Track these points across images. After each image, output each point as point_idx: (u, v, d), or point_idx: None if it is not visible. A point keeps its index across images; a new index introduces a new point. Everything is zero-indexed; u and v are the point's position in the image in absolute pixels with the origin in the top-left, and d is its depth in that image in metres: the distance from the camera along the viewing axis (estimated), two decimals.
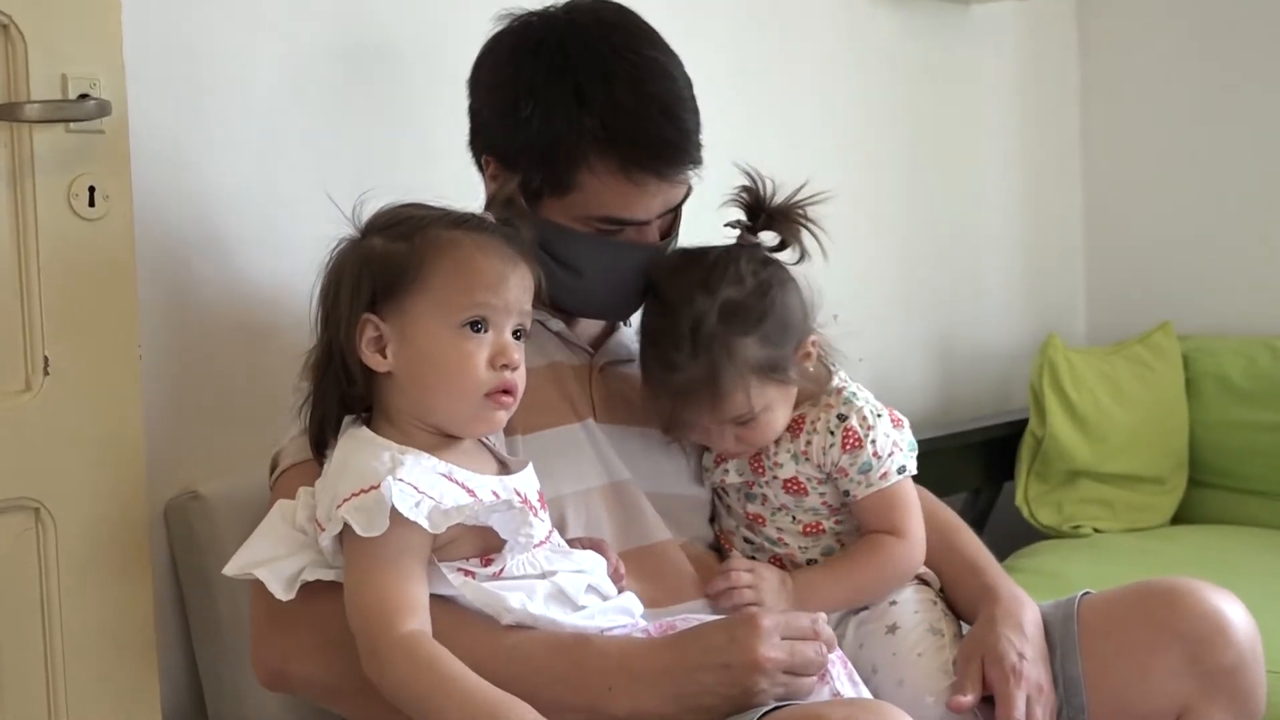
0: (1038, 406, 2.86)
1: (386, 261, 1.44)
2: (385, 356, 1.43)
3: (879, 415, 1.70)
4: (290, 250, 1.93)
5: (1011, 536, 2.79)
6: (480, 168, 1.76)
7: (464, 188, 1.84)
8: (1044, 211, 3.33)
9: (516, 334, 1.46)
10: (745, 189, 1.71)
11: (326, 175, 1.95)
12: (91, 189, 1.61)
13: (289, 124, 1.96)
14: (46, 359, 1.59)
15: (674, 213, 1.71)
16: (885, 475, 1.68)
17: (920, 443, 2.66)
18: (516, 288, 1.45)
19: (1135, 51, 3.32)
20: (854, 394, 1.72)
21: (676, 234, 1.74)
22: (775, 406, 1.68)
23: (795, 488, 1.71)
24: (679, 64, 1.70)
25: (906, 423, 1.75)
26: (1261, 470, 2.90)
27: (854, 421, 1.68)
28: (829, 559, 1.72)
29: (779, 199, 1.71)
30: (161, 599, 1.77)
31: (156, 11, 1.79)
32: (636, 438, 1.75)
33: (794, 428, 1.71)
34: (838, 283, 2.76)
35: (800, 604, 1.63)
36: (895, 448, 1.70)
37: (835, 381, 1.74)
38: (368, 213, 1.50)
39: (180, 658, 1.85)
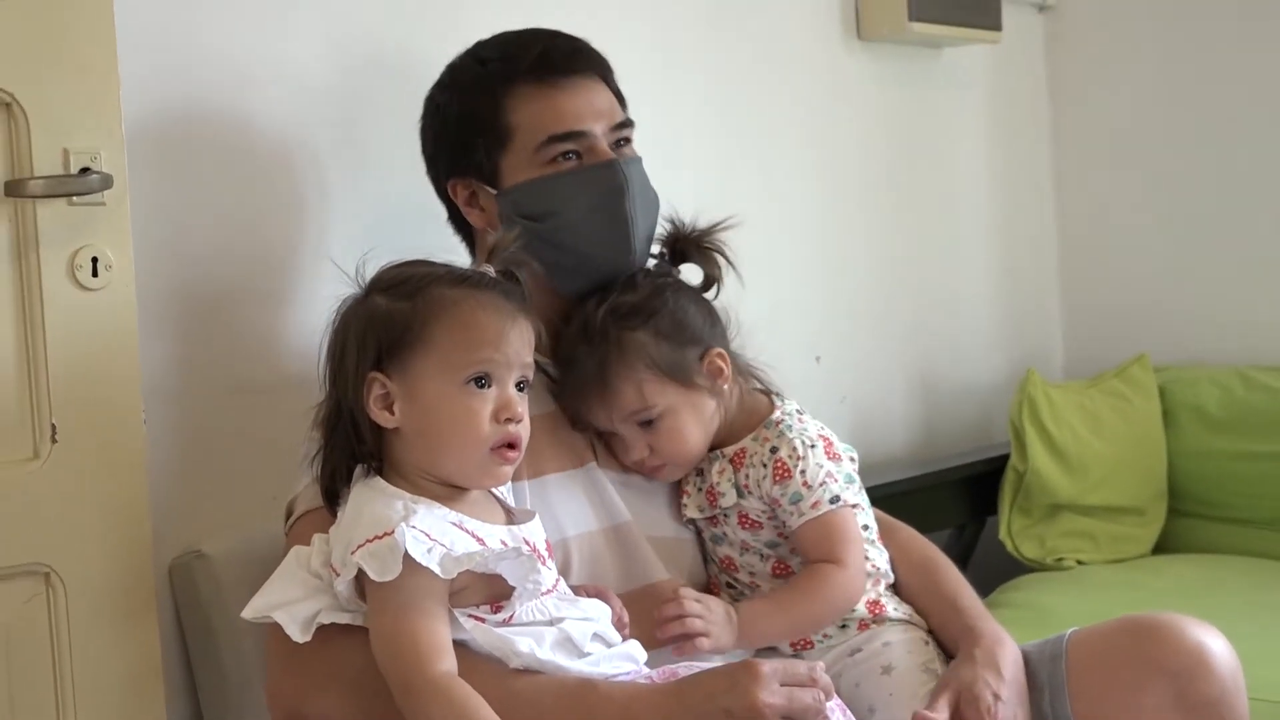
0: (1018, 442, 2.89)
1: (391, 321, 1.47)
2: (393, 413, 1.47)
3: (811, 446, 1.74)
4: (288, 310, 1.99)
5: (996, 570, 2.81)
6: (453, 207, 1.86)
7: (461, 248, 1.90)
8: (1019, 249, 3.38)
9: (520, 385, 1.50)
10: (669, 222, 1.83)
11: (324, 235, 2.02)
12: (94, 259, 1.65)
13: (285, 186, 2.00)
14: (54, 426, 1.63)
15: (621, 132, 1.80)
16: (816, 504, 1.71)
17: (903, 481, 2.78)
18: (517, 342, 1.49)
19: (1104, 92, 3.38)
20: (789, 426, 1.76)
21: (637, 159, 1.82)
22: (680, 412, 1.74)
23: (749, 522, 1.76)
24: None
25: (847, 457, 1.79)
26: (1239, 498, 2.93)
27: (784, 453, 1.73)
28: (772, 591, 1.75)
29: (688, 232, 1.82)
30: (167, 655, 1.79)
31: (153, 85, 1.83)
32: (636, 482, 1.80)
33: (736, 461, 1.76)
34: (819, 324, 2.86)
35: (745, 634, 1.67)
36: (829, 478, 1.73)
37: (775, 415, 1.79)
38: (370, 270, 1.54)
39: (186, 713, 1.88)
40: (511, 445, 1.48)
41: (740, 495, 1.75)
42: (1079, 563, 2.86)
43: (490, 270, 1.54)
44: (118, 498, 1.69)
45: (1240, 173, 3.20)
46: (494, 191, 1.78)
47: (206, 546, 1.83)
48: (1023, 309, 3.39)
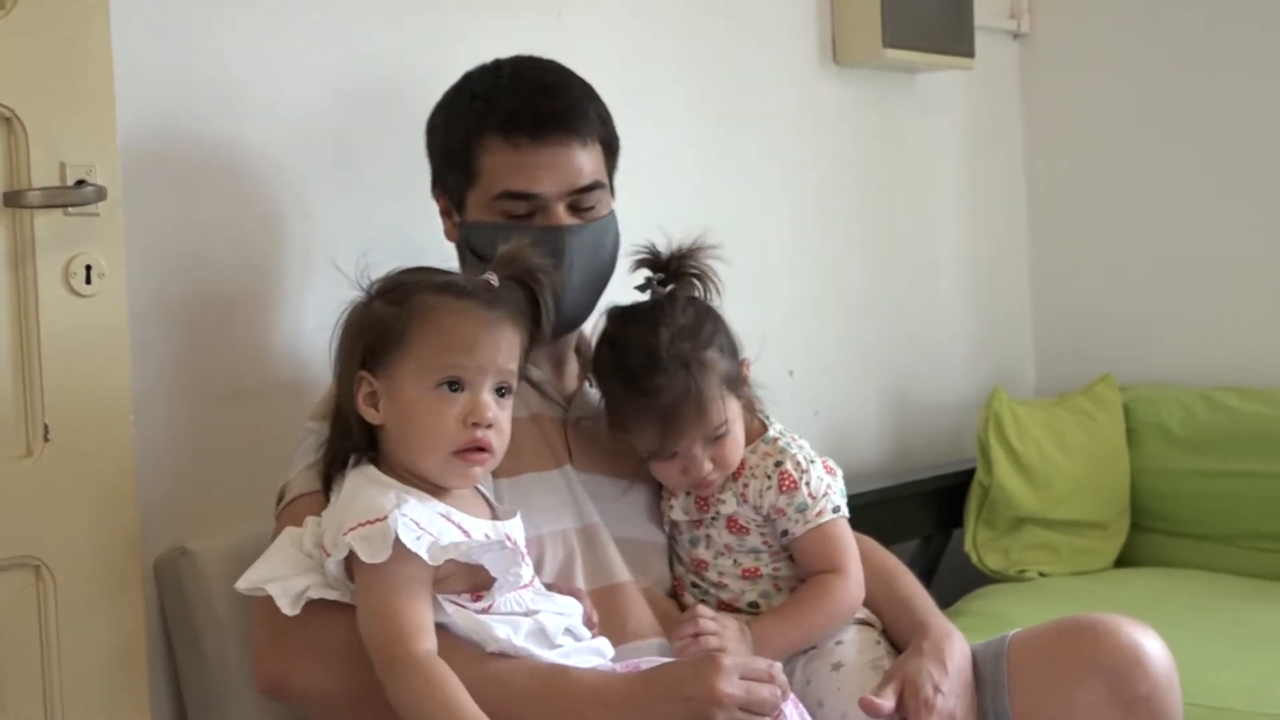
0: (984, 457, 2.94)
1: (378, 324, 1.56)
2: (378, 410, 1.55)
3: (812, 461, 1.85)
4: (274, 319, 2.06)
5: (961, 581, 2.86)
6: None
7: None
8: (992, 270, 3.43)
9: (501, 391, 1.57)
10: (647, 250, 1.87)
11: (310, 249, 2.09)
12: (88, 267, 1.72)
13: (273, 201, 2.07)
14: (46, 426, 1.70)
15: (584, 196, 1.84)
16: (820, 513, 1.81)
17: (873, 492, 2.81)
18: (491, 349, 1.55)
19: (1076, 118, 3.44)
20: (789, 443, 1.86)
21: (606, 226, 1.87)
22: (737, 421, 1.82)
23: (736, 527, 1.84)
24: (577, 79, 1.90)
25: (840, 474, 1.89)
26: (1198, 515, 2.99)
27: (789, 466, 1.82)
28: (780, 606, 1.83)
29: (678, 251, 1.87)
30: (150, 649, 1.85)
31: (148, 102, 1.90)
32: (607, 485, 1.88)
33: (735, 471, 1.84)
34: (794, 339, 2.90)
35: (759, 649, 1.74)
36: (829, 489, 1.84)
37: (771, 433, 1.88)
38: (373, 275, 1.62)
39: (168, 704, 1.93)
40: (481, 448, 1.55)
41: (738, 504, 1.83)
42: (1041, 575, 2.91)
43: (494, 278, 1.60)
44: (106, 495, 1.75)
45: (1208, 201, 3.26)
46: (457, 219, 1.88)
47: (192, 544, 1.88)
48: (994, 328, 3.44)
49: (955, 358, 3.34)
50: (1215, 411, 3.05)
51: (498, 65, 1.90)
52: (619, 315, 1.85)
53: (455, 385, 1.54)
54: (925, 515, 3.01)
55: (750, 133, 2.85)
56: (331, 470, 1.61)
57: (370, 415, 1.56)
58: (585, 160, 1.84)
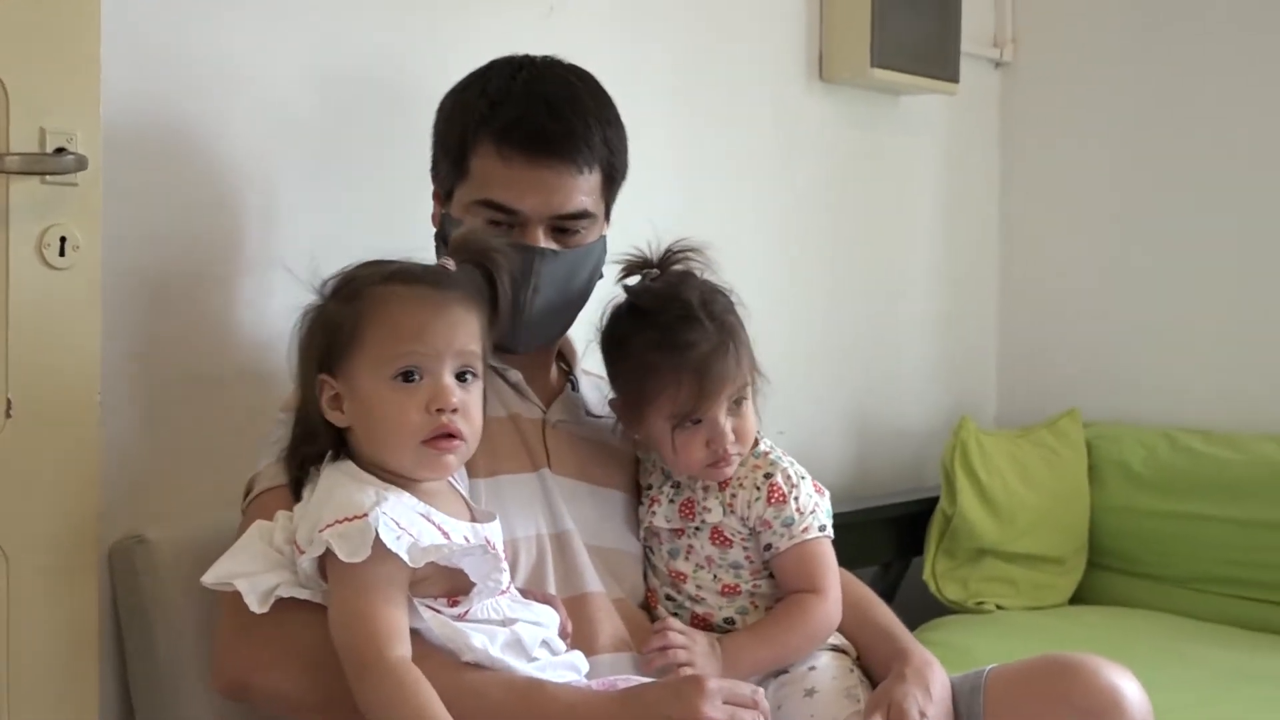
0: (949, 485, 2.93)
1: (332, 325, 1.52)
2: (343, 412, 1.51)
3: (802, 477, 1.83)
4: (246, 305, 2.01)
5: (918, 610, 2.83)
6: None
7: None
8: (961, 297, 3.43)
9: (463, 376, 1.52)
10: (636, 257, 1.85)
11: (286, 238, 2.04)
12: (63, 239, 1.67)
13: (253, 187, 2.02)
14: (9, 401, 1.64)
15: (569, 222, 1.79)
16: (806, 529, 1.79)
17: (834, 516, 2.73)
18: (444, 332, 1.50)
19: (1053, 151, 3.46)
20: (779, 457, 1.84)
21: (585, 254, 1.82)
22: (752, 397, 1.81)
23: (721, 539, 1.81)
24: (595, 89, 1.85)
25: (827, 495, 1.87)
26: (1156, 555, 3.00)
27: (779, 479, 1.80)
28: (755, 623, 1.80)
29: (671, 247, 1.84)
30: (100, 638, 1.79)
31: (134, 73, 1.85)
32: (584, 492, 1.85)
33: (723, 482, 1.81)
34: (760, 355, 2.84)
35: (729, 665, 1.71)
36: (817, 507, 1.82)
37: (762, 446, 1.85)
38: (326, 274, 1.57)
39: (115, 694, 1.87)
40: (449, 435, 1.50)
41: (724, 514, 1.80)
42: (998, 607, 2.91)
43: (450, 263, 1.57)
44: (68, 476, 1.70)
45: (1180, 240, 3.26)
46: (444, 209, 1.84)
47: (149, 532, 1.83)
48: (960, 356, 3.43)
49: (919, 382, 3.33)
50: (1178, 453, 3.06)
51: (520, 66, 1.84)
52: (639, 289, 1.83)
53: (413, 374, 1.49)
54: (885, 542, 3.00)
55: (731, 141, 2.83)
56: (303, 472, 1.55)
57: (336, 418, 1.52)
58: (577, 187, 1.78)
